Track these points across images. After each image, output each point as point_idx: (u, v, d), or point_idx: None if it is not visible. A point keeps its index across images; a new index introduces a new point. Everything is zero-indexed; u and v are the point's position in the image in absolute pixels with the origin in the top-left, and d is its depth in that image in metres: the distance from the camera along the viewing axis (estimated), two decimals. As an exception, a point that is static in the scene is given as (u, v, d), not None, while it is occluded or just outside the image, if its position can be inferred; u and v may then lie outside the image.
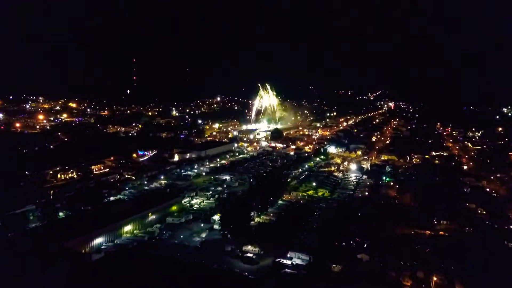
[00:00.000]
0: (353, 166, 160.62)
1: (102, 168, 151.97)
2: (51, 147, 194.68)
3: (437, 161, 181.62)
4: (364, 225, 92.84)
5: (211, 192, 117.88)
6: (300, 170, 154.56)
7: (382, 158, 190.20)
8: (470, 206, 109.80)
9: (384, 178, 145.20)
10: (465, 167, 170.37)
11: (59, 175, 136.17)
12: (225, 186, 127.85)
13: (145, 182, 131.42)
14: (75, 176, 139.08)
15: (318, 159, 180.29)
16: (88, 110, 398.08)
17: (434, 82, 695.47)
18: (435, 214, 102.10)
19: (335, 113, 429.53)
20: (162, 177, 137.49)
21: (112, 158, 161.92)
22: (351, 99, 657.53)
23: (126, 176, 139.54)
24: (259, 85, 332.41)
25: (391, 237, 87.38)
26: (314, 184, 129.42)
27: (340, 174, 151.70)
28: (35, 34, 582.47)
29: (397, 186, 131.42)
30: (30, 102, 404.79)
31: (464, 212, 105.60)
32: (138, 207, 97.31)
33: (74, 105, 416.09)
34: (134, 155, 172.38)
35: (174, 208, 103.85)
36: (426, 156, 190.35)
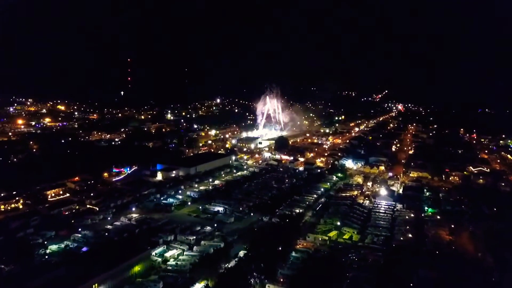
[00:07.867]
0: (382, 190, 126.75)
1: (61, 192, 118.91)
2: (14, 160, 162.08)
3: (481, 181, 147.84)
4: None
5: (195, 237, 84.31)
6: (314, 195, 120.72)
7: (411, 175, 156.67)
8: None
9: (425, 208, 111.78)
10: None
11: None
12: (215, 224, 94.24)
13: (109, 218, 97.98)
14: (21, 206, 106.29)
15: (334, 177, 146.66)
16: (76, 113, 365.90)
17: (441, 82, 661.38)
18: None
19: (343, 117, 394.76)
20: (134, 209, 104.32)
21: (77, 178, 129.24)
22: (357, 101, 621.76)
23: (88, 206, 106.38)
24: (264, 86, 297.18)
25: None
26: (338, 222, 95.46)
27: (367, 202, 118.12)
28: (29, 35, 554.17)
29: (451, 225, 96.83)
30: (15, 104, 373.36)
31: None
32: (79, 274, 64.09)
33: (62, 108, 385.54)
34: (106, 174, 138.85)
35: (137, 268, 70.68)
36: (465, 173, 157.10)
